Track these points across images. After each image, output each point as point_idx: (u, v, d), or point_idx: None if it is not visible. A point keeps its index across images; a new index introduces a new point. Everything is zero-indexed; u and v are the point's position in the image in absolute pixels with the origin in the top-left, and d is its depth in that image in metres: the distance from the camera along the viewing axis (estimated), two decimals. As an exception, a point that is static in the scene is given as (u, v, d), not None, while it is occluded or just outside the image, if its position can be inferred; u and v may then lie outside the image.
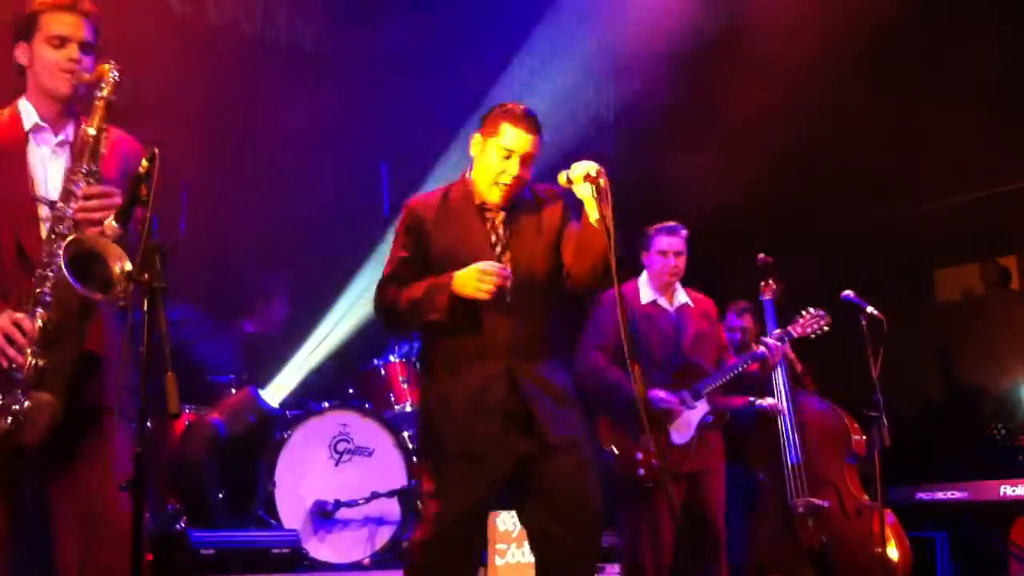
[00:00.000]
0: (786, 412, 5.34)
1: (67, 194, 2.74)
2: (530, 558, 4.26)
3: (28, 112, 2.90)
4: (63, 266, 2.55)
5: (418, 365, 5.82)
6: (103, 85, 2.79)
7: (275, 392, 5.92)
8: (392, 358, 5.90)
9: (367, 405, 5.60)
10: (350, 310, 6.40)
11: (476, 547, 3.59)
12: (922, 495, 5.84)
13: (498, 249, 3.43)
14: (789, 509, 5.25)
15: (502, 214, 3.47)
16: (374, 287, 3.57)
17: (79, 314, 2.68)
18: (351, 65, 6.64)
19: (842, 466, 5.41)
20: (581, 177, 3.24)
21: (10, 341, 2.64)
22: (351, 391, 5.92)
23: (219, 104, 5.59)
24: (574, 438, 3.40)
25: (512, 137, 3.38)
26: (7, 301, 2.72)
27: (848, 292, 5.01)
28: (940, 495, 5.80)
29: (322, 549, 5.16)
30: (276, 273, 6.15)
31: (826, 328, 5.00)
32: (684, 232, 4.93)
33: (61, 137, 2.91)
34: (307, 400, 5.81)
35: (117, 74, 2.79)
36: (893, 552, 5.15)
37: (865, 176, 6.82)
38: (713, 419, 4.81)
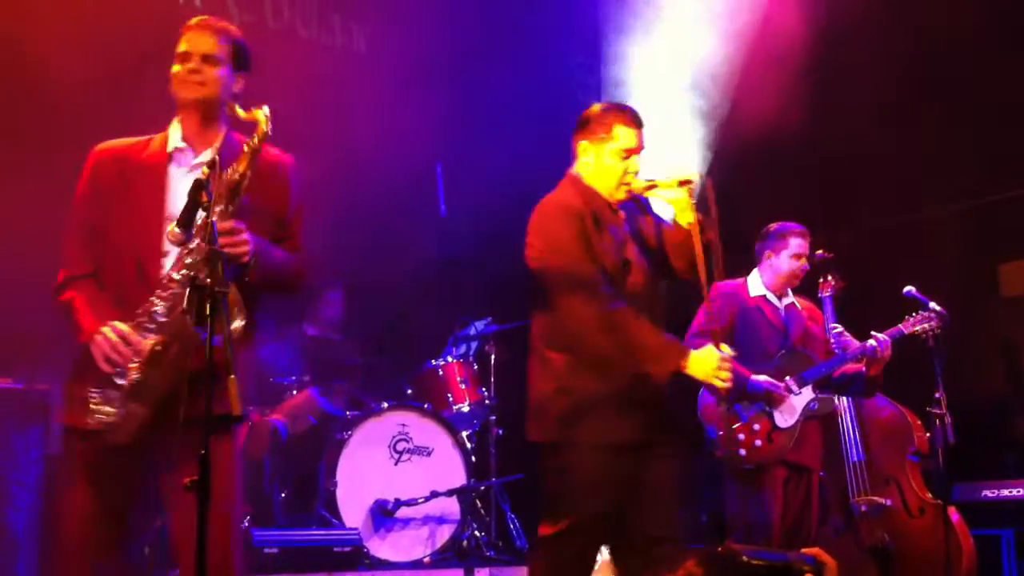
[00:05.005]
0: (848, 409, 5.29)
1: (201, 227, 2.70)
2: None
3: (174, 133, 2.99)
4: (187, 311, 2.54)
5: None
6: (256, 134, 2.82)
7: (335, 393, 5.97)
8: (450, 359, 5.93)
9: (426, 406, 5.64)
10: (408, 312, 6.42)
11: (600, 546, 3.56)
12: (987, 493, 5.72)
13: (636, 247, 3.47)
14: (851, 508, 5.20)
15: (622, 212, 3.51)
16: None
17: (188, 342, 2.68)
18: (405, 66, 6.67)
19: (904, 464, 5.33)
20: (674, 183, 3.32)
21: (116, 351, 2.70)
22: (409, 392, 5.96)
23: (275, 107, 5.64)
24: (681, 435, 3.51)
25: (629, 138, 3.43)
26: (120, 308, 2.79)
27: (910, 288, 4.95)
28: (1006, 493, 5.68)
29: (383, 547, 5.23)
30: (335, 276, 6.20)
31: (938, 329, 4.82)
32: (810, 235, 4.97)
33: (201, 159, 2.93)
34: (366, 401, 5.86)
35: (269, 124, 2.83)
36: (957, 551, 5.07)
37: (926, 169, 6.71)
38: (819, 406, 4.80)
